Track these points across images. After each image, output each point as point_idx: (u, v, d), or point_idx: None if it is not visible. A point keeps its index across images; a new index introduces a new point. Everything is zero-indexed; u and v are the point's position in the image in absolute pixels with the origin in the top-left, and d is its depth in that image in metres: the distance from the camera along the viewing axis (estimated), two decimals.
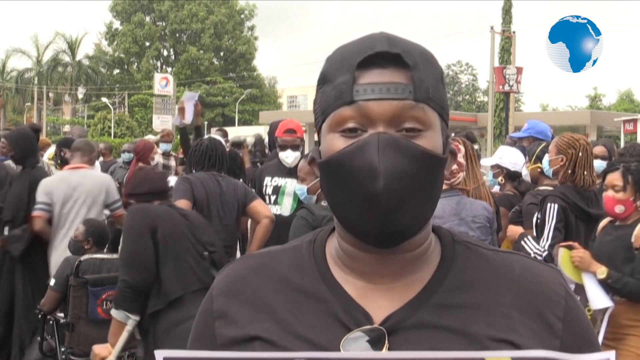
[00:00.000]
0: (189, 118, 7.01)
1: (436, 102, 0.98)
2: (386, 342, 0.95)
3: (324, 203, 3.84)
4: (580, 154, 4.15)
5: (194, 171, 4.75)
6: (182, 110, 6.66)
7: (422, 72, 0.97)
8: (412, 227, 0.97)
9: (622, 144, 19.23)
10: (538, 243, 4.13)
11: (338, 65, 0.98)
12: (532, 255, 4.07)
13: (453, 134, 5.71)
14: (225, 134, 9.89)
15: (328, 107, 0.98)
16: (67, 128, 51.48)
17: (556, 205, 4.10)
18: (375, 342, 0.95)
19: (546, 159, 4.40)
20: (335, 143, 0.97)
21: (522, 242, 4.17)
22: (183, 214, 3.64)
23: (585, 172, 4.15)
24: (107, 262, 4.36)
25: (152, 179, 3.71)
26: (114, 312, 3.43)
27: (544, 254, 4.09)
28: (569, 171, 4.16)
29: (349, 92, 0.96)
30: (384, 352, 0.94)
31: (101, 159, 9.13)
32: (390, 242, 0.97)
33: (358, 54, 0.97)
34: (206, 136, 5.56)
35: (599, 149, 6.68)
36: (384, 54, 0.96)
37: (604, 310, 3.75)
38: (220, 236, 4.52)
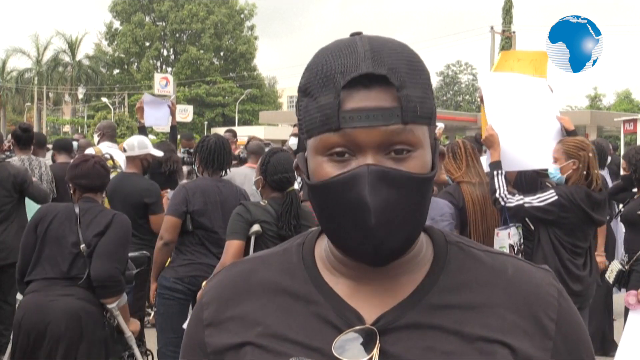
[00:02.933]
0: (150, 121, 7.21)
1: (424, 116, 0.96)
2: (377, 342, 0.95)
3: (263, 202, 3.85)
4: (590, 154, 4.20)
5: (196, 168, 4.78)
6: (140, 110, 6.80)
7: (409, 88, 0.94)
8: (404, 247, 0.97)
9: (622, 144, 19.22)
10: (512, 194, 4.21)
11: (321, 80, 0.95)
12: (497, 193, 4.17)
13: (456, 137, 5.79)
14: (234, 135, 9.98)
15: (313, 129, 0.96)
16: (67, 128, 51.53)
17: (556, 198, 4.14)
18: (367, 342, 0.95)
19: (553, 166, 4.34)
20: (324, 168, 0.95)
21: (495, 175, 4.23)
22: (84, 208, 3.86)
23: (596, 172, 4.22)
24: None
25: (86, 173, 3.97)
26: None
27: (508, 202, 4.15)
28: (584, 173, 4.19)
29: (335, 118, 0.93)
30: None
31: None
32: (382, 262, 0.97)
33: (341, 73, 0.93)
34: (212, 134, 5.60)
35: None
36: (369, 75, 0.93)
37: None
38: (221, 244, 4.54)
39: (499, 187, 4.17)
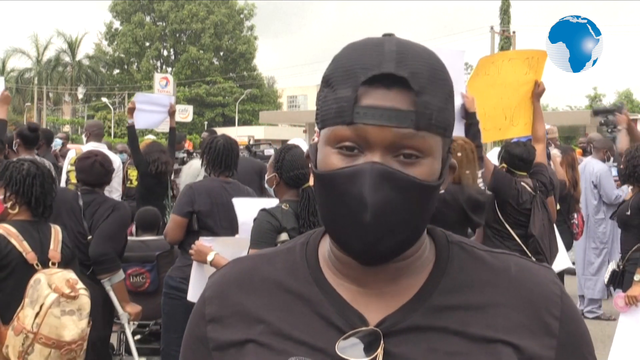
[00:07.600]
0: (140, 123, 7.30)
1: (439, 126, 0.95)
2: (381, 343, 0.95)
3: (284, 207, 3.58)
4: (459, 154, 4.19)
5: (204, 169, 4.83)
6: (131, 111, 6.86)
7: (428, 95, 0.93)
8: (398, 250, 0.97)
9: None
10: None
11: (343, 73, 0.95)
12: None
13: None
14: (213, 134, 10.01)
15: (327, 120, 0.97)
16: (67, 128, 51.55)
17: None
18: (370, 344, 0.95)
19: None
20: (332, 159, 0.96)
21: None
22: (87, 201, 4.27)
23: (467, 172, 4.19)
24: (136, 243, 5.26)
25: (83, 169, 4.46)
26: None
27: None
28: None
29: (349, 112, 0.93)
30: None
31: None
32: (375, 262, 0.97)
33: (364, 69, 0.93)
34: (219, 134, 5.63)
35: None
36: (390, 75, 0.93)
37: None
38: None
39: None
